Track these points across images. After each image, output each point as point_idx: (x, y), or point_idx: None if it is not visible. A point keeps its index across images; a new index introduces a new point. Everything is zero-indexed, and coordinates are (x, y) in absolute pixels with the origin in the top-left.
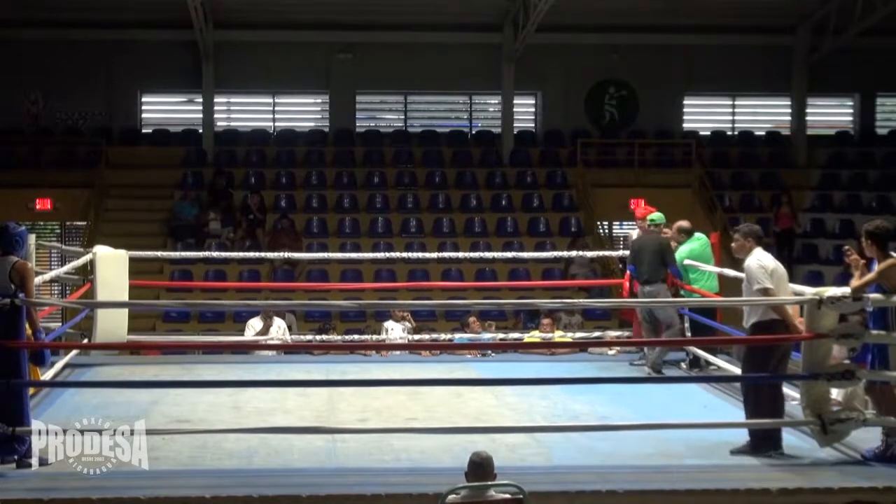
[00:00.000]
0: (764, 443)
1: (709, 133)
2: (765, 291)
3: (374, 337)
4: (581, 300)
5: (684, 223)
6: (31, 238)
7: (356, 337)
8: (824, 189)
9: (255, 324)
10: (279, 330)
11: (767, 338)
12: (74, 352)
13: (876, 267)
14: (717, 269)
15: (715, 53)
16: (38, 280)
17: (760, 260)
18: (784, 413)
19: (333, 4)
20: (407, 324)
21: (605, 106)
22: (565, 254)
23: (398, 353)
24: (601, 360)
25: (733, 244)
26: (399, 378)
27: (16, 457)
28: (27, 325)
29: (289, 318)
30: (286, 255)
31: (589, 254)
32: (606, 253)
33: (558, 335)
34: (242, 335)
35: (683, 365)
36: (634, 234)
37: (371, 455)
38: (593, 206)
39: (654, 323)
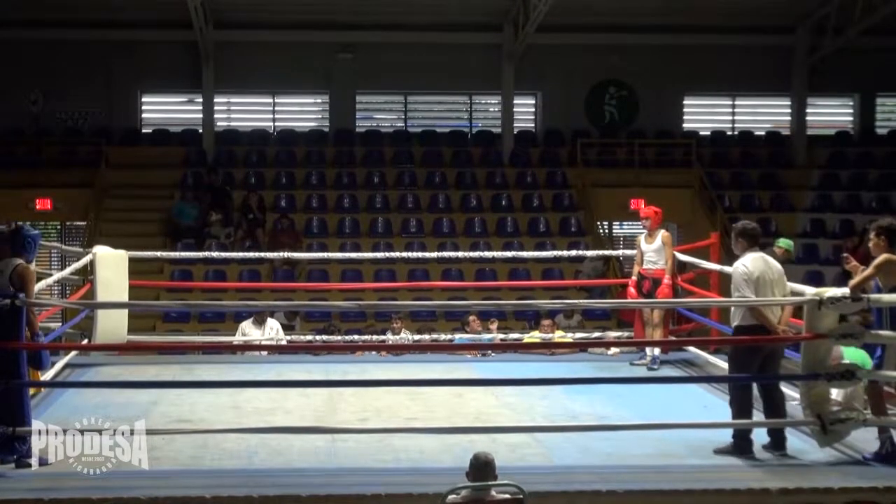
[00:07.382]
0: (742, 442)
1: (709, 133)
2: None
3: (374, 337)
4: (581, 300)
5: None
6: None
7: (356, 337)
8: (824, 189)
9: (247, 329)
10: (273, 331)
11: (766, 338)
12: (74, 352)
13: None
14: (716, 267)
15: (715, 53)
16: (42, 284)
17: (746, 266)
18: (751, 415)
19: (333, 4)
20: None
21: (605, 106)
22: (565, 253)
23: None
24: (601, 360)
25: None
26: (399, 378)
27: (15, 456)
28: (26, 329)
29: (278, 317)
30: (286, 255)
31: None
32: (609, 252)
33: (558, 335)
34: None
35: None
36: (642, 237)
37: (371, 455)
38: (593, 206)
39: None
